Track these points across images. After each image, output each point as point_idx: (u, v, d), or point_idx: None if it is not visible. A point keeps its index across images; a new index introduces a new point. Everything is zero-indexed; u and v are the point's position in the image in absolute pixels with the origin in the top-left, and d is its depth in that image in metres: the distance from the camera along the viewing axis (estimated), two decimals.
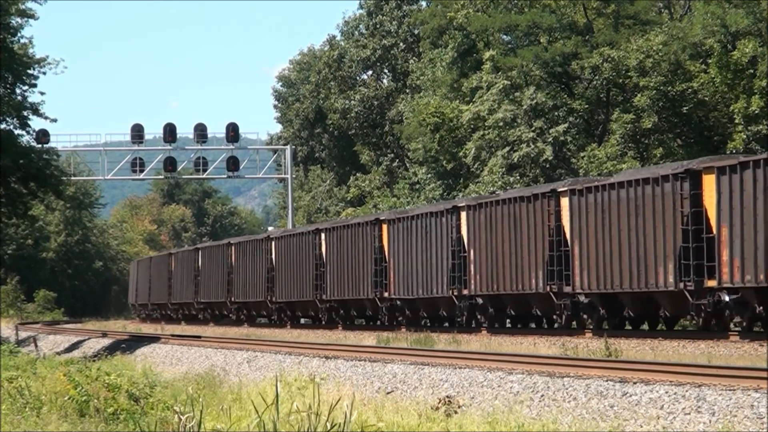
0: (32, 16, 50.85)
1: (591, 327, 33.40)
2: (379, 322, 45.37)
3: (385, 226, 43.66)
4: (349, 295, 45.99)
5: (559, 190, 34.46)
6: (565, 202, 34.07)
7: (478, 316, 38.31)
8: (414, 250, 41.34)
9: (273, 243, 53.69)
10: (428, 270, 40.45)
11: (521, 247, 35.63)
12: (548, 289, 34.45)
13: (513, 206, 36.22)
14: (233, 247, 59.39)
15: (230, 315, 60.01)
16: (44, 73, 51.30)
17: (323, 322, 48.89)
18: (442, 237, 39.72)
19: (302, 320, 54.46)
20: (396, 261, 42.48)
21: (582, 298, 33.52)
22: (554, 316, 35.33)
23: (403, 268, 42.07)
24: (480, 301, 38.06)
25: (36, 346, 52.78)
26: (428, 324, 42.45)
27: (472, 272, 38.05)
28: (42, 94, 55.63)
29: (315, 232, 49.24)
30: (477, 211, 37.88)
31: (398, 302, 42.72)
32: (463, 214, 38.75)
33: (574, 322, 34.76)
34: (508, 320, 39.37)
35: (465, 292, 38.52)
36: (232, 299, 58.57)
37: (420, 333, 35.71)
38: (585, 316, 33.80)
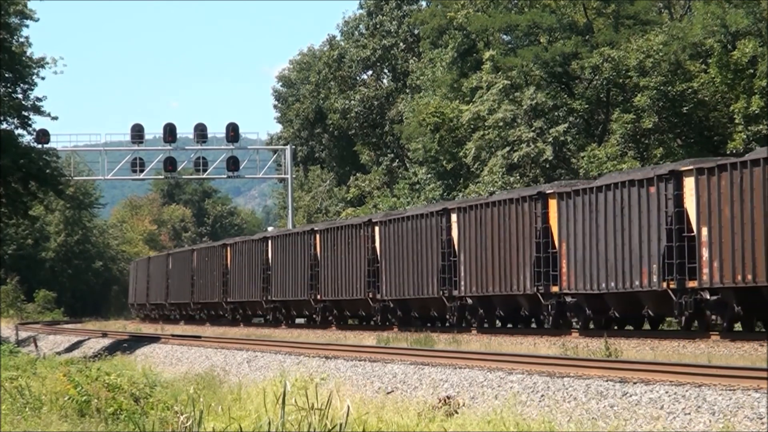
0: (31, 17, 50.79)
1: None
2: (547, 324, 35.44)
3: (553, 202, 34.55)
4: (496, 290, 36.97)
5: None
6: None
7: (711, 316, 29.40)
8: (601, 232, 32.18)
9: (377, 228, 44.64)
10: (624, 256, 31.33)
11: None
12: None
13: None
14: (317, 235, 49.92)
15: (314, 316, 51.17)
16: (43, 78, 51.31)
17: (453, 324, 39.62)
18: (650, 212, 30.51)
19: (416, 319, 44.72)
20: (569, 246, 33.53)
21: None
22: None
23: (581, 254, 32.99)
24: (713, 296, 28.82)
25: (36, 346, 52.77)
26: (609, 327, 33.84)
27: (705, 257, 28.55)
28: (40, 99, 55.46)
29: (442, 212, 40.18)
30: (715, 176, 28.28)
31: (569, 299, 33.89)
32: (689, 181, 29.36)
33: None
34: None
35: (692, 284, 29.23)
36: (318, 297, 49.42)
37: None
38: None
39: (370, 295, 43.64)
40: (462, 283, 38.40)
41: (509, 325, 38.91)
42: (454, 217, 39.29)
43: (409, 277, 41.24)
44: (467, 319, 38.78)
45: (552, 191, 34.55)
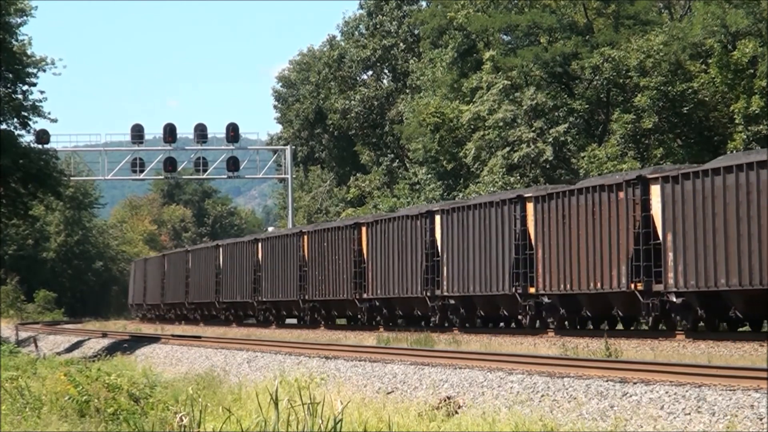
0: (29, 13, 50.68)
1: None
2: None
3: (530, 205, 34.92)
4: (477, 290, 37.05)
5: None
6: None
7: (676, 318, 29.93)
8: (574, 235, 32.65)
9: (364, 229, 43.56)
10: (595, 258, 31.93)
11: None
12: None
13: None
14: (305, 237, 48.39)
15: (303, 317, 50.38)
16: (44, 71, 51.22)
17: (436, 323, 39.10)
18: (619, 217, 30.91)
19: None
20: (544, 248, 33.95)
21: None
22: None
23: (555, 256, 33.57)
24: (678, 298, 29.14)
25: (36, 346, 52.74)
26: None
27: (670, 261, 28.71)
28: (42, 93, 56.37)
29: (426, 214, 40.07)
30: (680, 184, 28.85)
31: (545, 299, 34.35)
32: (655, 188, 29.84)
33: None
34: None
35: (658, 286, 29.72)
36: (307, 297, 48.26)
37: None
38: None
39: (357, 296, 43.73)
40: (444, 283, 38.76)
41: (490, 325, 39.55)
42: (437, 219, 39.55)
43: (395, 277, 41.44)
44: (449, 319, 39.06)
45: (530, 195, 35.25)
